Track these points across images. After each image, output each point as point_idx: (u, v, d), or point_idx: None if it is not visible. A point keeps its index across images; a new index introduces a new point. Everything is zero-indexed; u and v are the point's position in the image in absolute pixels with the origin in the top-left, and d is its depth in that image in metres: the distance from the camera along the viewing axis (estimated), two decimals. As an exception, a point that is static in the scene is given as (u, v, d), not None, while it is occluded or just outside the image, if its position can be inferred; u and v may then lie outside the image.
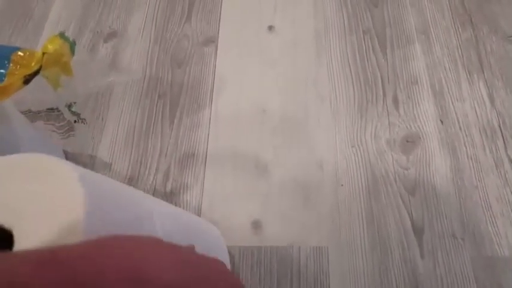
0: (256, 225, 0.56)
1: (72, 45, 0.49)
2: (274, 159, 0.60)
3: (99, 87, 0.67)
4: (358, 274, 0.52)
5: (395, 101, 0.65)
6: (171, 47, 0.72)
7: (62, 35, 0.47)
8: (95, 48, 0.72)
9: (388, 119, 0.63)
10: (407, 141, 0.61)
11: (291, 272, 0.52)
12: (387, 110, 0.64)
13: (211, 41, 0.72)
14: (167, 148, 0.62)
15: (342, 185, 0.58)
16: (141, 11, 0.76)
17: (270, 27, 0.73)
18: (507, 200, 0.56)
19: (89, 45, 0.72)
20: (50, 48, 0.46)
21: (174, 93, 0.67)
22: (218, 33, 0.73)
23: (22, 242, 0.26)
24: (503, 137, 0.61)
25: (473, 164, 0.59)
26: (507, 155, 0.59)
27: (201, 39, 0.73)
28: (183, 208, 0.58)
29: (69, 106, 0.65)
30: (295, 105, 0.65)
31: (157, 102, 0.66)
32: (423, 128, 0.62)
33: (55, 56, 0.46)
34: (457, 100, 0.64)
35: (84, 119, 0.64)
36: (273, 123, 0.64)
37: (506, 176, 0.58)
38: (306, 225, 0.56)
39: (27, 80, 0.44)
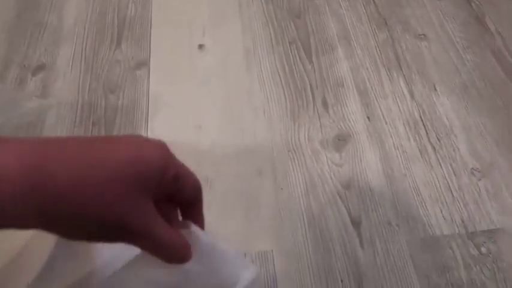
0: (202, 239, 0.56)
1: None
2: (213, 174, 0.61)
3: (25, 115, 0.66)
4: (304, 275, 0.53)
5: (325, 103, 0.68)
6: (103, 74, 0.72)
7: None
8: (23, 82, 0.70)
9: (320, 121, 0.67)
10: (338, 140, 0.64)
11: (239, 280, 0.53)
12: (318, 113, 0.67)
13: (143, 64, 0.73)
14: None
15: (282, 189, 0.60)
16: (70, 42, 0.76)
17: (201, 46, 0.75)
18: (433, 183, 0.60)
19: (16, 80, 0.71)
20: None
21: (109, 118, 0.67)
22: (149, 55, 0.74)
23: None
24: (424, 126, 0.66)
25: (400, 154, 0.63)
26: (429, 142, 0.64)
27: (132, 63, 0.73)
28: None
29: None
30: (231, 119, 0.67)
31: (91, 129, 0.65)
32: (352, 126, 0.66)
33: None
34: (380, 97, 0.69)
35: None
36: (209, 139, 0.65)
37: (431, 161, 0.62)
38: (249, 232, 0.57)
39: None
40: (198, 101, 0.68)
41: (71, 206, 0.20)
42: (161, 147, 0.24)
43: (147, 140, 0.24)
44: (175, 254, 0.25)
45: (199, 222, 0.29)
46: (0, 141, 0.20)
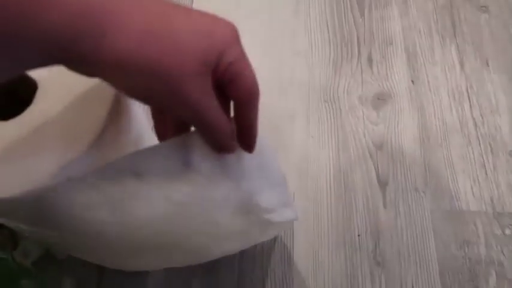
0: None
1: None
2: (246, 109, 0.60)
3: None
4: (322, 220, 0.53)
5: (370, 59, 0.65)
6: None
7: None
8: None
9: (362, 76, 0.64)
10: (378, 99, 0.62)
11: (257, 216, 0.53)
12: (361, 68, 0.64)
13: (188, -11, 0.70)
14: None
15: (313, 137, 0.59)
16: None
17: (250, -20, 0.71)
18: (468, 158, 0.58)
19: None
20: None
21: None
22: (196, -19, 0.71)
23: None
24: (469, 99, 0.63)
25: (439, 123, 0.60)
26: (472, 117, 0.61)
27: (177, -14, 0.70)
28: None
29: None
30: (271, 60, 0.65)
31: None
32: (395, 87, 0.63)
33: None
34: (429, 63, 0.66)
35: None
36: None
37: (470, 136, 0.60)
38: (274, 173, 0.56)
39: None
40: (240, 35, 0.66)
41: (139, 57, 0.19)
42: (233, 30, 0.23)
43: (223, 19, 0.23)
44: (223, 139, 0.25)
45: (249, 128, 0.27)
46: None
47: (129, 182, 0.26)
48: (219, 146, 0.26)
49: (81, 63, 0.19)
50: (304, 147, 0.58)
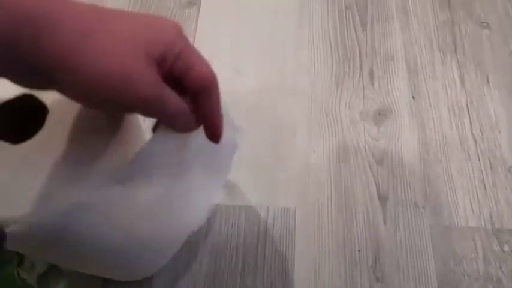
0: (227, 184, 0.56)
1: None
2: (247, 121, 0.61)
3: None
4: (323, 234, 0.53)
5: (371, 75, 0.66)
6: (152, 8, 0.70)
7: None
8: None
9: (363, 91, 0.65)
10: (379, 114, 0.63)
11: (258, 229, 0.53)
12: (363, 83, 0.65)
13: (194, 3, 0.71)
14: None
15: (314, 152, 0.59)
16: (123, -34, 0.74)
17: (254, -6, 0.73)
18: (468, 174, 0.59)
19: None
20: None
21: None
22: (201, -5, 0.72)
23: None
24: (469, 115, 0.63)
25: (439, 138, 0.61)
26: (472, 133, 0.62)
27: (184, 1, 0.72)
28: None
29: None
30: (274, 72, 0.66)
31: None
32: (395, 103, 0.64)
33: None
34: (429, 78, 0.66)
35: None
36: (248, 87, 0.64)
37: (469, 152, 0.60)
38: (275, 187, 0.57)
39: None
40: (244, 47, 0.67)
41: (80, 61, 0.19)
42: (176, 25, 0.24)
43: (165, 18, 0.24)
44: (186, 121, 0.26)
45: (210, 116, 0.28)
46: None
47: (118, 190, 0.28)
48: (186, 127, 0.27)
49: (24, 72, 0.20)
50: (305, 160, 0.59)
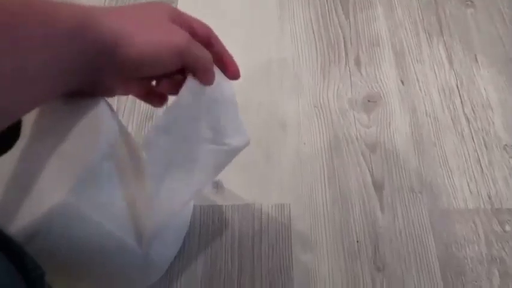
0: (217, 184, 0.55)
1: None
2: (236, 120, 0.59)
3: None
4: (319, 229, 0.52)
5: (358, 62, 0.65)
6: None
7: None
8: None
9: (351, 79, 0.63)
10: (368, 101, 0.61)
11: (253, 228, 0.52)
12: (349, 71, 0.64)
13: (171, 1, 0.70)
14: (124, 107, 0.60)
15: (304, 144, 0.58)
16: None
17: (232, -11, 0.71)
18: (463, 155, 0.57)
19: None
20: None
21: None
22: (178, -6, 0.71)
23: None
24: (460, 96, 0.62)
25: (431, 121, 0.60)
26: (464, 113, 0.61)
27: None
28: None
29: None
30: (257, 68, 0.64)
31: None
32: (384, 88, 0.63)
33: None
34: (417, 61, 0.65)
35: None
36: (233, 82, 0.62)
37: (463, 132, 0.59)
38: (267, 183, 0.55)
39: None
40: (224, 42, 0.65)
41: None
42: (164, 1, 0.32)
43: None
44: (209, 66, 0.33)
45: (225, 54, 0.36)
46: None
47: None
48: (209, 78, 0.33)
49: (114, 64, 0.28)
50: (296, 154, 0.57)
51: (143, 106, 0.61)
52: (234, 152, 0.38)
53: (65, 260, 0.29)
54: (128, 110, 0.60)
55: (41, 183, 0.26)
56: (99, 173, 0.28)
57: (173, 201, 0.34)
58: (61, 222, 0.26)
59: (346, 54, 0.65)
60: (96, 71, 0.27)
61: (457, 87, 0.63)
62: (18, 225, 0.25)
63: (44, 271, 0.24)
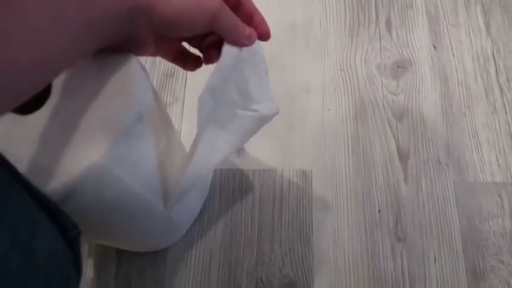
0: (239, 148, 0.54)
1: None
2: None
3: None
4: (341, 197, 0.51)
5: (389, 24, 0.61)
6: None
7: None
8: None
9: (380, 43, 0.60)
10: (398, 67, 0.59)
11: (274, 194, 0.51)
12: (379, 34, 0.61)
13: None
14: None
15: (329, 110, 0.56)
16: None
17: None
18: (494, 127, 0.55)
19: None
20: None
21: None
22: None
23: None
24: (495, 64, 0.59)
25: (463, 90, 0.57)
26: (498, 83, 0.58)
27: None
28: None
29: None
30: (281, 26, 0.61)
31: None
32: (415, 54, 0.59)
33: None
34: (452, 26, 0.61)
35: None
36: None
37: (495, 104, 0.57)
38: (290, 149, 0.54)
39: None
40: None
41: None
42: None
43: None
44: (241, 29, 0.33)
45: (256, 14, 0.35)
46: None
47: None
48: (242, 39, 0.33)
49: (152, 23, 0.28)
50: (320, 120, 0.55)
51: (164, 64, 0.59)
52: (262, 119, 0.37)
53: (95, 220, 0.29)
54: (147, 68, 0.58)
55: (75, 144, 0.25)
56: (132, 134, 0.27)
57: (206, 162, 0.33)
58: (95, 183, 0.25)
59: (377, 15, 0.62)
60: (131, 28, 0.28)
61: (493, 55, 0.60)
62: (54, 184, 0.24)
63: (80, 230, 0.24)
